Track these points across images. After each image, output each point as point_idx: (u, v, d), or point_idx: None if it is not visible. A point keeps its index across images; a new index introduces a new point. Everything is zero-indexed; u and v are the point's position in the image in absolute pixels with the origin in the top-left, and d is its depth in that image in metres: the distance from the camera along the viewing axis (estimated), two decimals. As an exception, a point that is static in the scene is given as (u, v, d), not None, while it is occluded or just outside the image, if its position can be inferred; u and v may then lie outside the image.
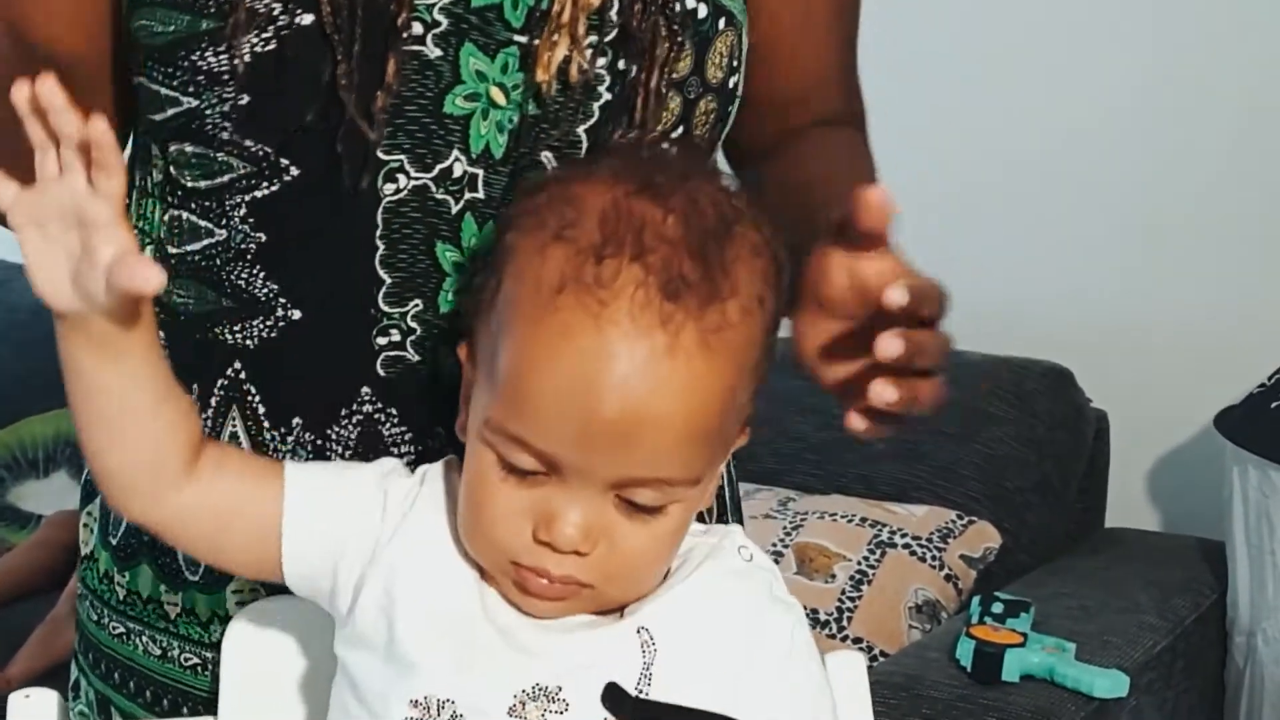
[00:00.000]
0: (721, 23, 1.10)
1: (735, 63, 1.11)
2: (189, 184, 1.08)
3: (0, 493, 3.30)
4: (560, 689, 0.91)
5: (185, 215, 1.09)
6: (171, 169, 1.09)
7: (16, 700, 1.05)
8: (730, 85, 1.11)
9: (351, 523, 0.96)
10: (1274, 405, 2.48)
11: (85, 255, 0.82)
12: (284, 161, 1.04)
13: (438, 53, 1.03)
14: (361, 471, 0.98)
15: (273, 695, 1.05)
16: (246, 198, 1.06)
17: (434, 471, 0.99)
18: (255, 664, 1.05)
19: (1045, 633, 2.27)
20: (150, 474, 0.92)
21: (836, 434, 3.12)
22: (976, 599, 2.35)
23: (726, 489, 1.21)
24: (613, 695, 0.91)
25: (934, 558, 2.53)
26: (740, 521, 1.22)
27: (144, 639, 1.13)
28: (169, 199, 1.10)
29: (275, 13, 1.01)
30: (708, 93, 1.10)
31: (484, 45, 1.04)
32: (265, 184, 1.05)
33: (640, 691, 0.92)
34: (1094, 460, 2.84)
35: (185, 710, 1.11)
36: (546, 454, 0.89)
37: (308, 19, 1.01)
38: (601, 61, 1.06)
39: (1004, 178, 2.96)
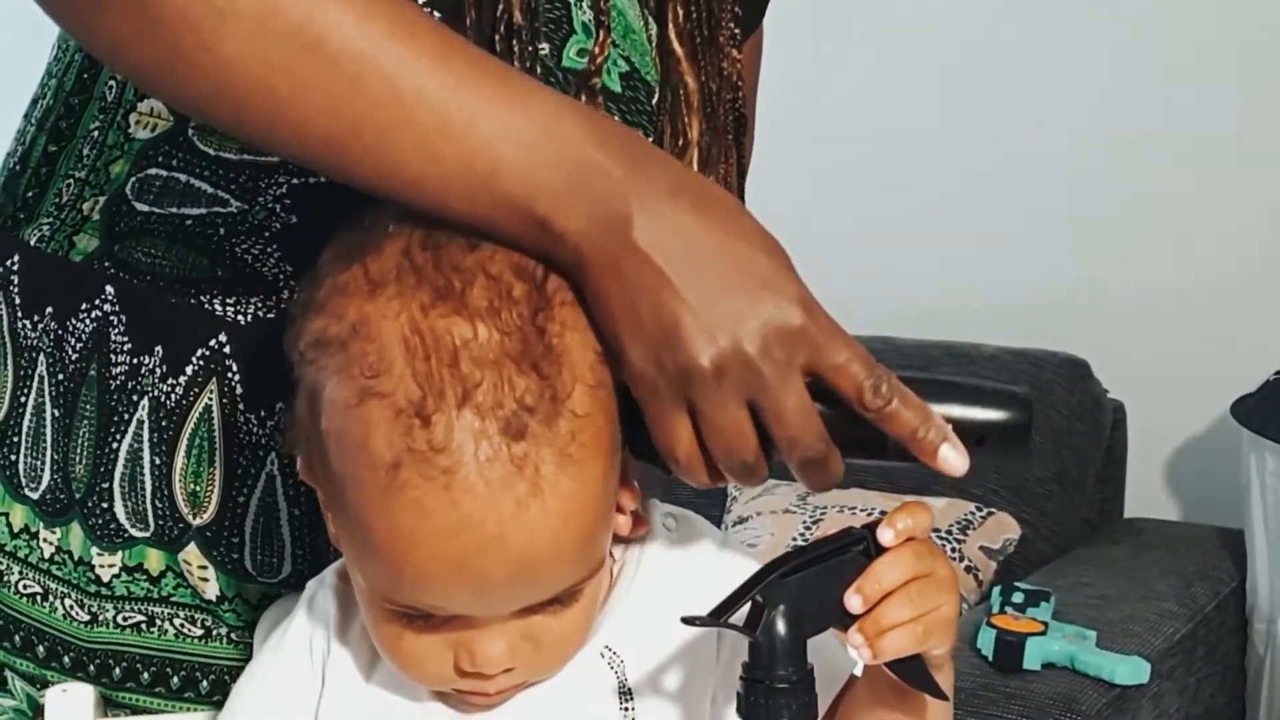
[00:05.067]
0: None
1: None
2: (212, 151, 1.02)
3: None
4: None
5: (187, 179, 1.03)
6: (192, 131, 1.03)
7: (54, 695, 1.06)
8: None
9: None
10: (1290, 392, 2.49)
11: None
12: None
13: None
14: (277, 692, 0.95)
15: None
16: (295, 180, 1.01)
17: (330, 624, 0.95)
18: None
19: (1066, 621, 2.28)
20: None
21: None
22: (997, 589, 2.36)
23: None
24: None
25: (953, 549, 2.54)
26: None
27: (68, 602, 1.07)
28: (160, 157, 1.04)
29: None
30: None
31: None
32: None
33: (625, 705, 0.92)
34: (1112, 450, 2.85)
35: (119, 670, 1.07)
36: (444, 612, 0.86)
37: None
38: None
39: (1020, 172, 2.96)
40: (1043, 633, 2.20)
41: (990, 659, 2.19)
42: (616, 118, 1.05)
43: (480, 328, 0.82)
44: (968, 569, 2.53)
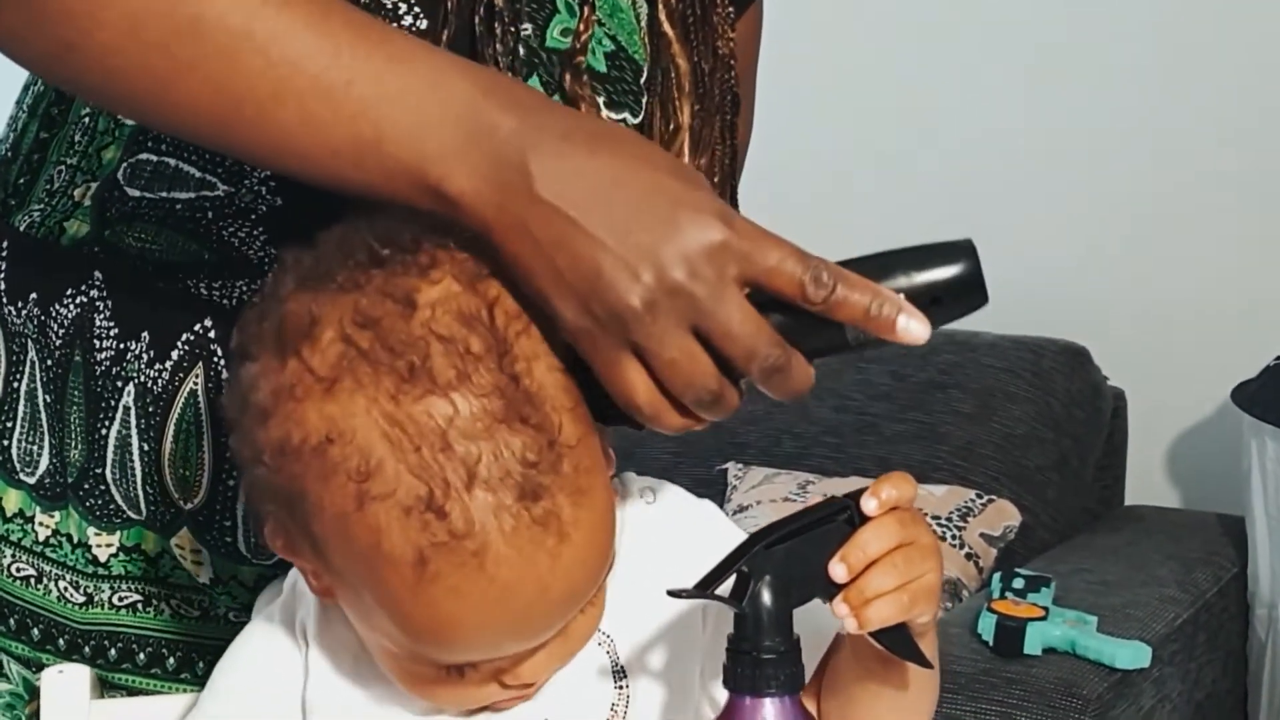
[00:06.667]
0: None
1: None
2: None
3: None
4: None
5: (176, 163, 1.03)
6: None
7: (50, 676, 1.06)
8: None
9: None
10: (1290, 377, 2.49)
11: None
12: None
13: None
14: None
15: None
16: None
17: (310, 617, 0.93)
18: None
19: (1067, 606, 2.28)
20: None
21: (854, 417, 3.13)
22: (997, 575, 2.37)
23: None
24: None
25: (954, 537, 2.54)
26: None
27: (61, 584, 1.07)
28: (149, 142, 1.03)
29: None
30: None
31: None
32: None
33: (620, 684, 0.93)
34: (1112, 438, 2.85)
35: (114, 651, 1.08)
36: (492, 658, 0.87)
37: (407, 21, 0.97)
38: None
39: (1018, 157, 2.96)
40: (1043, 618, 2.20)
41: (991, 644, 2.19)
42: (603, 99, 1.04)
43: (458, 400, 0.80)
44: (968, 556, 2.53)
